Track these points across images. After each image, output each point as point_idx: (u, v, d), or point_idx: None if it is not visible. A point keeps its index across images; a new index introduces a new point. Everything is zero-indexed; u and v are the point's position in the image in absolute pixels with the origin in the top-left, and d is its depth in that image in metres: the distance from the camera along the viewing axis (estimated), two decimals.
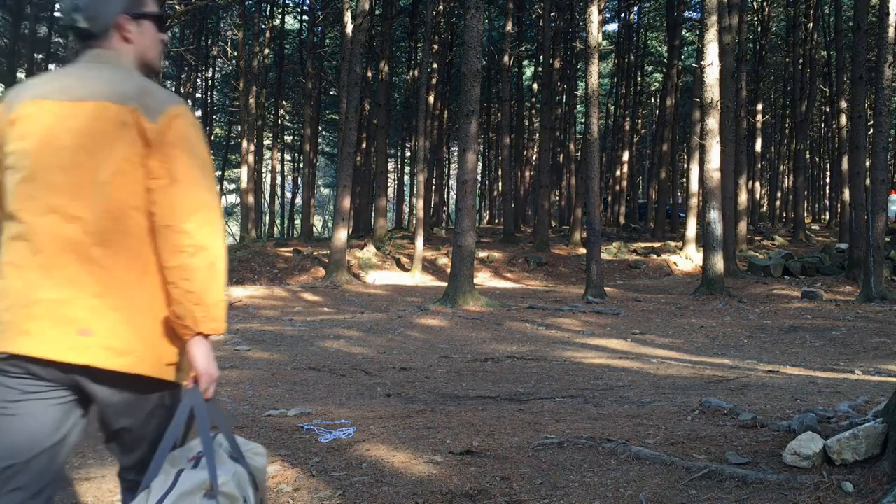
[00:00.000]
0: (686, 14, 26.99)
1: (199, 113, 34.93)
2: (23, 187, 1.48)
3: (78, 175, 1.47)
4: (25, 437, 1.46)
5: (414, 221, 21.84)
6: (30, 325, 1.43)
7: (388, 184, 30.90)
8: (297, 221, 34.79)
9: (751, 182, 29.18)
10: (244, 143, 24.11)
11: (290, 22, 35.44)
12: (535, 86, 31.02)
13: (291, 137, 38.10)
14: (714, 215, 12.36)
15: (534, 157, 33.00)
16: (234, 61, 29.19)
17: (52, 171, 1.47)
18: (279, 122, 34.88)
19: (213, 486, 1.46)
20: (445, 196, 36.61)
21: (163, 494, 1.43)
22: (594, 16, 13.66)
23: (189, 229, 1.47)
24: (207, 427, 1.52)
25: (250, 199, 24.04)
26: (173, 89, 31.85)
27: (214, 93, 34.90)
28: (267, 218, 35.23)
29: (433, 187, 30.04)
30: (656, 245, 21.86)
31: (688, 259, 19.78)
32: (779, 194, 36.20)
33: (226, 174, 37.72)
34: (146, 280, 1.50)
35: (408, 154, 35.33)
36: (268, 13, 28.32)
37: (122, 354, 1.46)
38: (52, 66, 29.85)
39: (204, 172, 1.53)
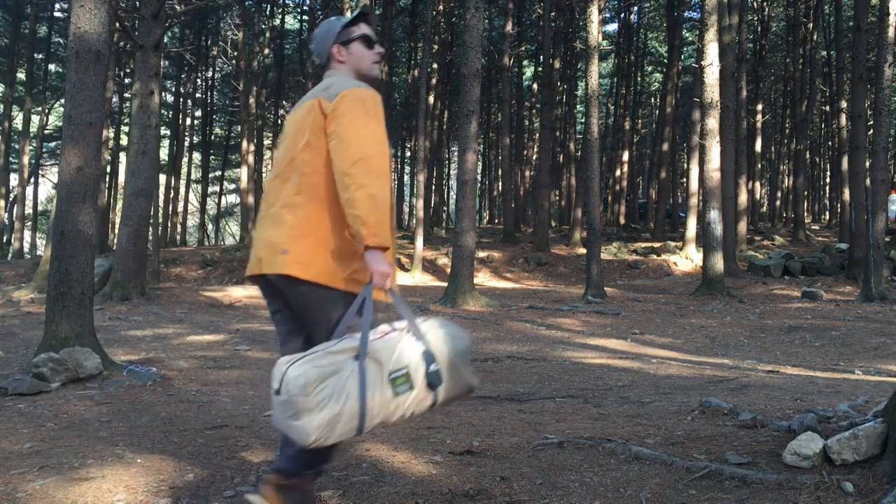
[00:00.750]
0: (686, 14, 26.96)
1: (199, 113, 34.93)
2: (273, 166, 2.28)
3: (290, 149, 2.20)
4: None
5: (414, 221, 21.83)
6: (261, 254, 2.16)
7: None
8: None
9: (751, 182, 29.16)
10: (244, 144, 24.07)
11: (290, 22, 35.42)
12: (535, 86, 31.01)
13: None
14: (714, 215, 12.36)
15: (534, 157, 33.00)
16: (234, 61, 29.17)
17: (281, 151, 2.25)
18: (279, 122, 34.85)
19: (361, 351, 1.94)
20: (445, 196, 36.60)
21: (318, 348, 1.96)
22: (594, 16, 13.66)
23: (352, 172, 2.02)
24: (371, 312, 2.02)
25: (250, 199, 24.02)
26: (173, 89, 31.83)
27: (214, 93, 34.84)
28: None
29: (433, 187, 30.03)
30: (656, 245, 21.85)
31: (688, 259, 19.78)
32: (779, 194, 36.17)
33: (226, 174, 37.69)
34: (328, 217, 2.11)
35: (408, 154, 35.32)
36: (268, 13, 28.31)
37: (308, 267, 2.08)
38: (51, 67, 29.84)
39: (366, 132, 2.07)
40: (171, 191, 30.39)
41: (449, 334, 2.08)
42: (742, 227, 20.67)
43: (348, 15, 2.40)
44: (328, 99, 2.13)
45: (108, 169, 26.92)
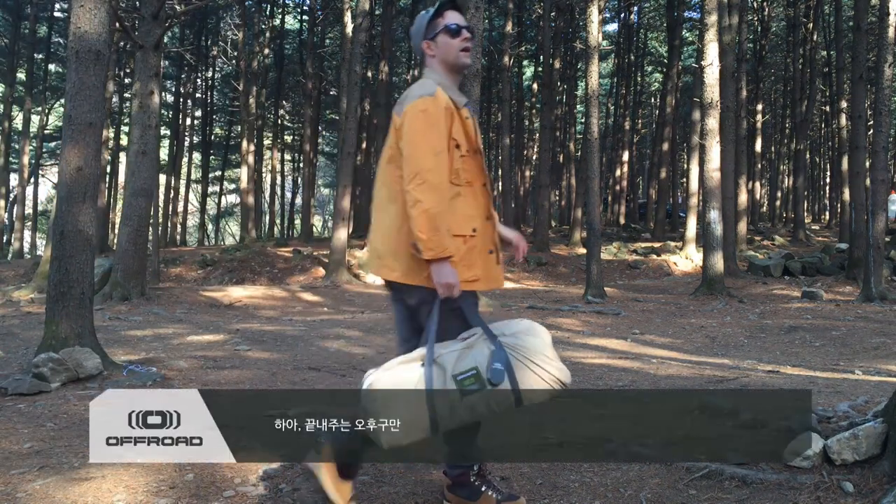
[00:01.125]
0: (686, 14, 26.95)
1: (199, 113, 34.91)
2: None
3: (382, 159, 2.37)
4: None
5: None
6: (369, 254, 2.41)
7: None
8: (297, 221, 34.72)
9: (751, 182, 29.14)
10: (244, 144, 24.07)
11: (290, 22, 35.39)
12: (535, 86, 31.00)
13: (291, 137, 38.03)
14: (714, 215, 12.36)
15: (534, 157, 32.99)
16: (234, 61, 29.15)
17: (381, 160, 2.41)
18: (279, 122, 34.83)
19: (427, 358, 2.13)
20: None
21: (392, 360, 2.20)
22: (594, 16, 13.66)
23: (410, 189, 2.18)
24: (435, 320, 2.20)
25: (250, 199, 24.03)
26: (173, 89, 31.82)
27: (214, 93, 34.83)
28: (267, 218, 35.20)
29: None
30: (656, 245, 21.84)
31: (688, 259, 19.77)
32: (779, 194, 36.17)
33: (226, 174, 37.67)
34: (408, 224, 2.23)
35: None
36: (268, 13, 28.31)
37: (394, 270, 2.30)
38: (51, 67, 29.84)
39: (424, 146, 2.18)
40: (171, 191, 30.38)
41: (523, 332, 2.19)
42: (742, 227, 20.65)
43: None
44: (398, 114, 2.26)
45: (108, 169, 26.91)
